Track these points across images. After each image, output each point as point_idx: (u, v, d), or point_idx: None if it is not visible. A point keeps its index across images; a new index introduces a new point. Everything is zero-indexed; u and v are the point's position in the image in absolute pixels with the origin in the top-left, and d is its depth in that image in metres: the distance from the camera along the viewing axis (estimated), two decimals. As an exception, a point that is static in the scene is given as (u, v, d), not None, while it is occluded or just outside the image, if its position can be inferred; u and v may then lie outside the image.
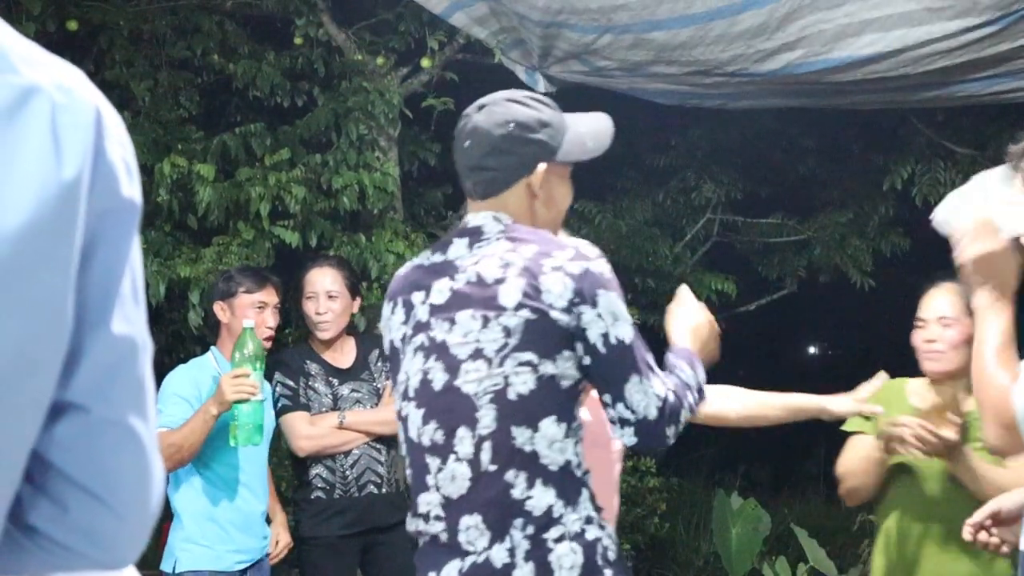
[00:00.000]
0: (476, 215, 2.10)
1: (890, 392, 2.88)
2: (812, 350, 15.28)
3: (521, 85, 4.38)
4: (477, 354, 1.98)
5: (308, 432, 3.75)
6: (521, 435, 1.94)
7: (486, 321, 1.98)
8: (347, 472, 3.77)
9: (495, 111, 2.09)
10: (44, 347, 0.80)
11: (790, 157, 7.44)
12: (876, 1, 3.38)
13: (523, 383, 1.94)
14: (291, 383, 3.79)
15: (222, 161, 5.09)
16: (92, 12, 5.36)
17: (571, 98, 3.47)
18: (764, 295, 7.69)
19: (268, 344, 3.54)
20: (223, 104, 6.24)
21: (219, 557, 3.46)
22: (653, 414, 1.96)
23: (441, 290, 2.06)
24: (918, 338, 2.84)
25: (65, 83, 0.84)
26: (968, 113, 6.11)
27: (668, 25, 3.60)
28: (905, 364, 2.94)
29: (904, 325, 2.94)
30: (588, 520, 1.96)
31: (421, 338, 2.07)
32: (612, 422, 2.01)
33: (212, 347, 3.69)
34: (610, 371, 1.96)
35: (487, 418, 1.96)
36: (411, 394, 2.08)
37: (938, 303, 2.81)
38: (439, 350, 2.03)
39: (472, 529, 1.95)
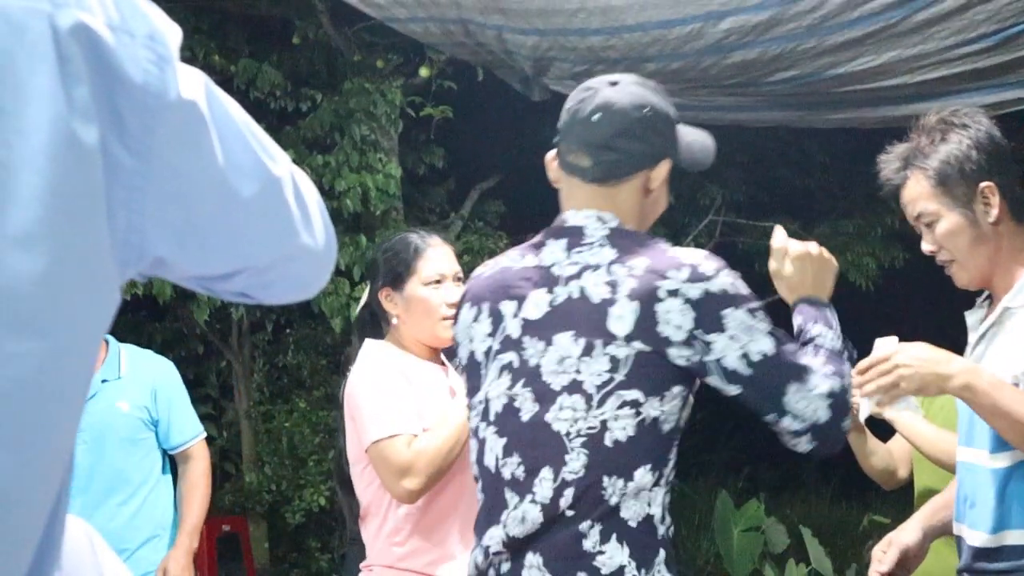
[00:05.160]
0: (577, 213, 1.87)
1: None
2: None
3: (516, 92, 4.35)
4: (575, 387, 1.76)
5: None
6: (612, 485, 1.74)
7: (590, 348, 1.76)
8: None
9: (632, 91, 1.88)
10: (81, 301, 0.71)
11: (795, 168, 7.50)
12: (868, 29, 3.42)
13: (622, 428, 1.74)
14: None
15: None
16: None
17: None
18: (765, 297, 7.73)
19: None
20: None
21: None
22: (824, 415, 1.75)
23: (538, 303, 1.83)
24: None
25: None
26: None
27: (659, 60, 3.65)
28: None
29: (902, 332, 2.96)
30: None
31: (510, 356, 1.84)
32: (781, 435, 1.79)
33: None
34: (764, 390, 1.76)
35: (576, 463, 1.75)
36: (491, 418, 1.86)
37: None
38: (530, 375, 1.81)
39: (534, 569, 1.77)
